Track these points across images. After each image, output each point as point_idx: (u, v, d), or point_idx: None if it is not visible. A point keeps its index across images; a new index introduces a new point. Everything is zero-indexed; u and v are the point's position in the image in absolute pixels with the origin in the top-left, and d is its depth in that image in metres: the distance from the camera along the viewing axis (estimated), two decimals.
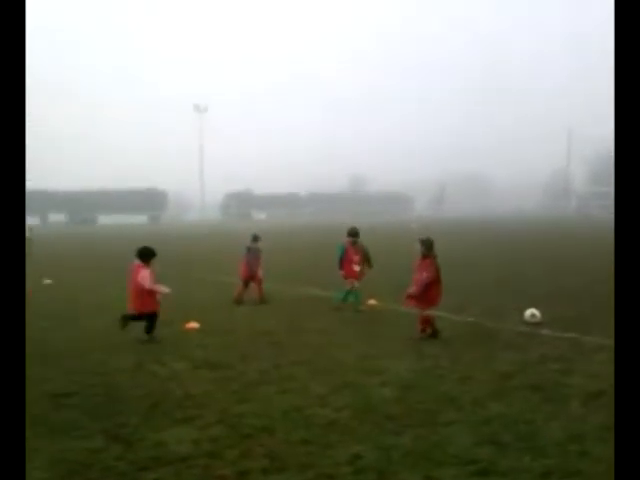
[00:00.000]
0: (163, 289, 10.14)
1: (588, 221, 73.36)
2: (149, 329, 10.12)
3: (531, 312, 10.91)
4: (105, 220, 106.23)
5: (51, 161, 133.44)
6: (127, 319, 10.19)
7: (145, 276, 9.94)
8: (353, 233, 12.51)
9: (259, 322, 11.41)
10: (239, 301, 13.61)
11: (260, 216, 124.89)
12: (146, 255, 10.24)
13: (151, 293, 10.05)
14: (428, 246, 9.80)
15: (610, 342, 8.38)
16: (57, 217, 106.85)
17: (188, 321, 11.16)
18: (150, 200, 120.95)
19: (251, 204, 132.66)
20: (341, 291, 12.74)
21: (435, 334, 9.78)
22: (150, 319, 10.12)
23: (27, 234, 38.53)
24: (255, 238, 14.23)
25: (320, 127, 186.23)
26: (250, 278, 13.92)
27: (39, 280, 18.60)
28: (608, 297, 9.83)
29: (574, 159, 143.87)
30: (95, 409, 6.61)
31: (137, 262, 10.18)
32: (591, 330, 10.03)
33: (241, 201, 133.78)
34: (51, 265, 25.29)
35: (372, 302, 12.89)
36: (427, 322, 9.80)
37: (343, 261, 12.52)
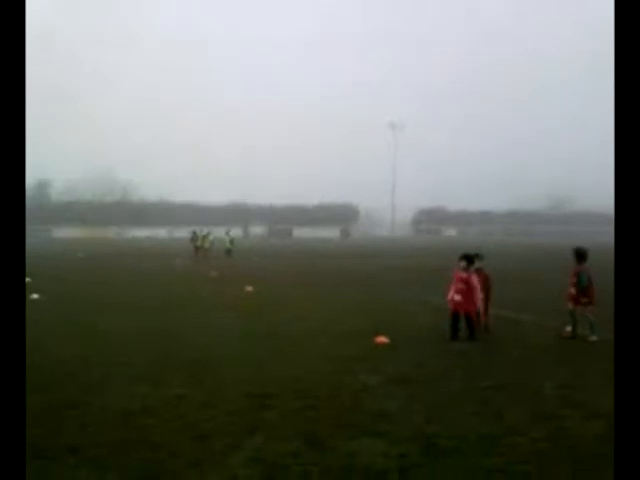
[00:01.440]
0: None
1: None
2: (471, 333, 11.13)
3: None
4: (299, 232, 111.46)
5: (252, 178, 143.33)
6: (455, 331, 11.15)
7: (471, 279, 11.15)
8: (578, 254, 11.91)
9: (454, 342, 11.11)
10: (487, 330, 12.17)
11: (450, 233, 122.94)
12: (467, 259, 11.37)
13: (473, 294, 11.13)
14: None
15: None
16: (257, 229, 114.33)
17: (378, 335, 11.24)
18: (342, 215, 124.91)
19: (442, 221, 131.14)
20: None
21: None
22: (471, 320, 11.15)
23: (228, 245, 40.05)
24: (478, 257, 12.20)
25: (517, 142, 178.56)
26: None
27: (242, 288, 20.16)
28: None
29: None
30: (292, 412, 6.91)
31: (458, 267, 11.33)
32: None
33: (432, 217, 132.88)
34: (251, 274, 27.15)
35: (568, 329, 11.97)
36: None
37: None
